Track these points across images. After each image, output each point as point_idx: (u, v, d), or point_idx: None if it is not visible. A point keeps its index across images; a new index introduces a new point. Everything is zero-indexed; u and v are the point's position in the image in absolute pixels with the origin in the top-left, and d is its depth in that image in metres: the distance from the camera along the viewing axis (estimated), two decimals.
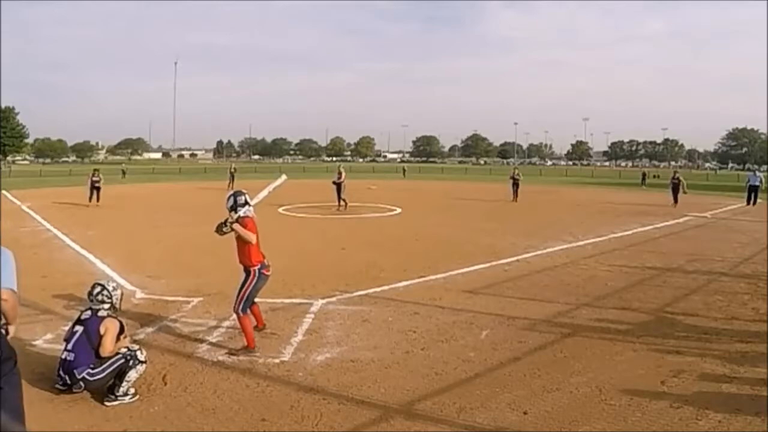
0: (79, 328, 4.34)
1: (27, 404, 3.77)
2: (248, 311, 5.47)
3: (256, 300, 5.70)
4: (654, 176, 53.98)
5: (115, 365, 4.25)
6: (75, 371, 4.14)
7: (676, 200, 21.98)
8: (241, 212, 5.36)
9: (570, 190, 34.01)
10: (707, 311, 6.86)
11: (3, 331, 3.27)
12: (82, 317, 4.44)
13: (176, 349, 5.37)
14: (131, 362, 4.28)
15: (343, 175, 19.59)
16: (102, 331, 4.31)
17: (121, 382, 4.24)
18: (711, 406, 4.20)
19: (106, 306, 4.48)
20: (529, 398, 4.37)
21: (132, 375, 4.28)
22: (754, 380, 4.72)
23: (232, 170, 30.26)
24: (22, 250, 9.11)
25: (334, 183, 19.58)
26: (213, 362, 5.07)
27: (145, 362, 4.38)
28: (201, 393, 4.42)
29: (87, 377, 4.17)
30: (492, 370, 4.95)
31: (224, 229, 5.36)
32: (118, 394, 4.23)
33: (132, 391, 4.30)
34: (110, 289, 4.56)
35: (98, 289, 4.53)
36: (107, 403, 4.19)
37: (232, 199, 5.45)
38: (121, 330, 4.47)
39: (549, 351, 5.46)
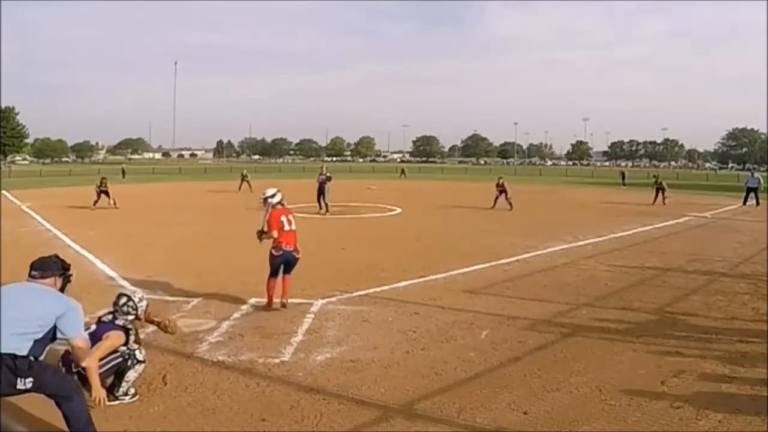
0: (93, 327, 4.27)
1: (26, 404, 3.81)
2: (273, 279, 6.76)
3: (289, 276, 6.88)
4: (654, 176, 54.00)
5: (113, 363, 4.22)
6: (72, 365, 4.10)
7: (655, 199, 23.51)
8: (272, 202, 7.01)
9: (570, 190, 34.01)
10: (707, 311, 6.86)
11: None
12: (103, 318, 4.38)
13: (176, 349, 5.37)
14: (130, 362, 4.26)
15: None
16: (103, 337, 4.19)
17: (120, 382, 4.23)
18: (711, 406, 4.19)
19: (131, 317, 4.41)
20: (529, 398, 4.36)
21: (131, 375, 4.26)
22: (754, 380, 4.72)
23: (244, 174, 32.12)
24: (22, 251, 9.11)
25: (322, 183, 18.39)
26: (213, 362, 5.07)
27: (143, 362, 4.36)
28: (201, 393, 4.42)
29: (82, 372, 4.12)
30: (492, 370, 4.95)
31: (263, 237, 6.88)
32: (117, 394, 4.22)
33: (132, 391, 4.29)
34: (136, 300, 4.50)
35: (124, 299, 4.46)
36: (107, 403, 4.18)
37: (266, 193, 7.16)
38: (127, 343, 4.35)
39: (549, 351, 5.46)
